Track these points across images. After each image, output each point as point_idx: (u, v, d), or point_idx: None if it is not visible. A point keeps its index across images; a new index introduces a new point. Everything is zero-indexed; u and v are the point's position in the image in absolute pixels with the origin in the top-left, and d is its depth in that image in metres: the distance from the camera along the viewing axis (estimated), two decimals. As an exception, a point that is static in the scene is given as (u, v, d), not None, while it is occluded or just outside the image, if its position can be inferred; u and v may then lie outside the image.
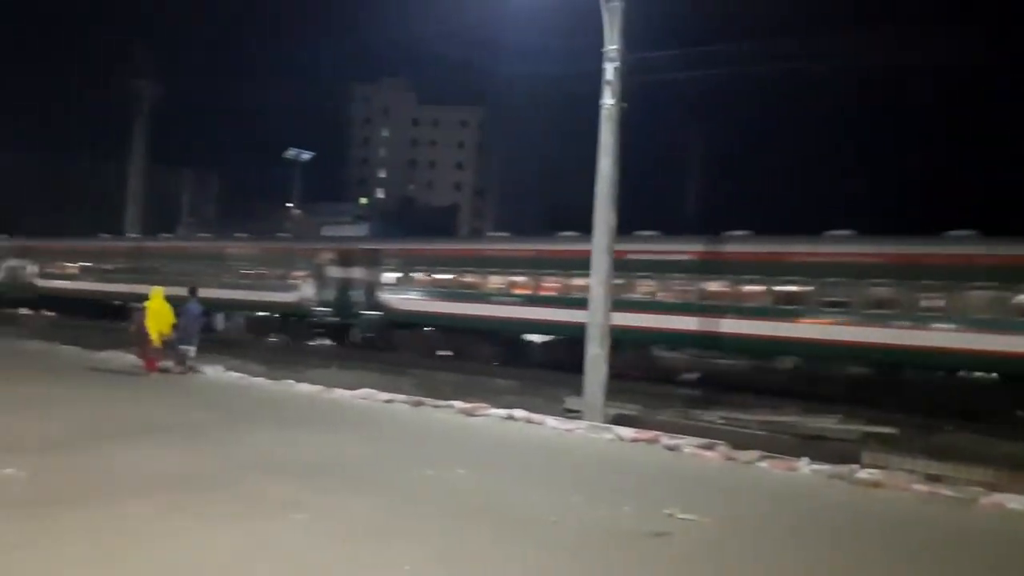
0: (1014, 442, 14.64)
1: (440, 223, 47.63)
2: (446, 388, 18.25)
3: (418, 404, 14.37)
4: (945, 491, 9.42)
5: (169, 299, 17.44)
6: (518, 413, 13.55)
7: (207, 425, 11.34)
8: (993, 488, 9.75)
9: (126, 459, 8.73)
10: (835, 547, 7.12)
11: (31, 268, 43.49)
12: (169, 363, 17.22)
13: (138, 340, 17.27)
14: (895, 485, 9.68)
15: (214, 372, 17.78)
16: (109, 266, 40.16)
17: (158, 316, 16.76)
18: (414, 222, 58.59)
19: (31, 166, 64.58)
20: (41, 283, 42.71)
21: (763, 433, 14.24)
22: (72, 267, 42.13)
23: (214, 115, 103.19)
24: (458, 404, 14.19)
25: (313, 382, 16.98)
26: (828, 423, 15.85)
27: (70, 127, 67.12)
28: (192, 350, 17.49)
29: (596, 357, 14.54)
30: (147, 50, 48.22)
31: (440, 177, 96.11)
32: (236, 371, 18.31)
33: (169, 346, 17.16)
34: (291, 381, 17.06)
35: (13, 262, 44.21)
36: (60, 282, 41.81)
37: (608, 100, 14.74)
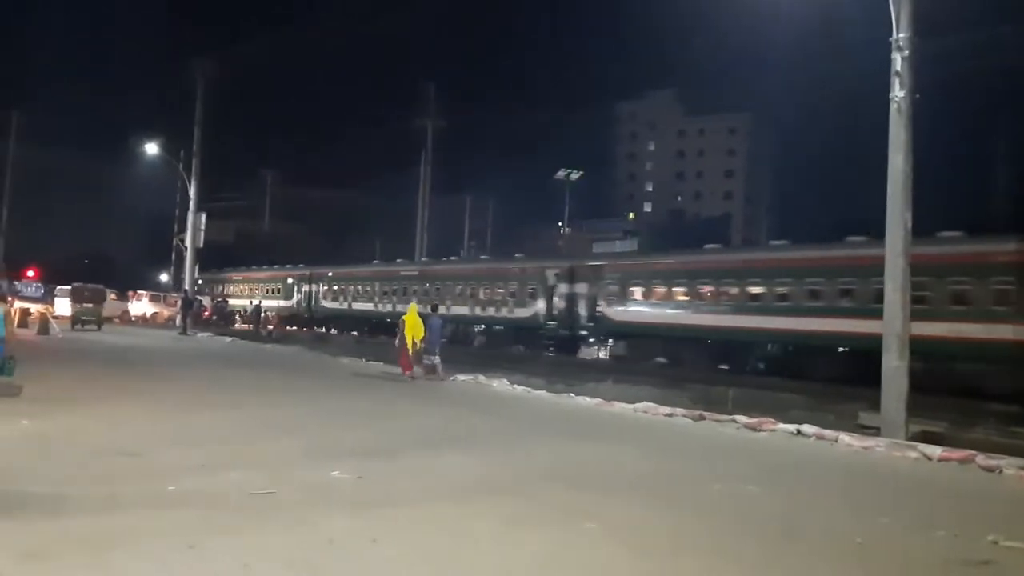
0: None
1: (713, 233, 46.68)
2: (727, 402, 17.80)
3: (700, 418, 14.15)
4: None
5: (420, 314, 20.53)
6: (807, 428, 12.88)
7: (496, 435, 11.98)
8: None
9: (430, 465, 9.42)
10: None
11: (317, 290, 50.74)
12: (420, 370, 19.60)
13: (400, 350, 19.97)
14: None
15: (499, 384, 18.78)
16: (379, 288, 45.64)
17: (413, 327, 19.59)
18: (684, 234, 57.99)
19: (345, 201, 73.68)
20: (326, 304, 49.72)
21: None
22: (350, 289, 48.31)
23: (487, 141, 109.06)
24: (742, 419, 13.79)
25: (592, 395, 17.33)
26: None
27: (368, 164, 75.26)
28: (436, 359, 19.86)
29: (896, 369, 13.47)
30: (431, 89, 52.12)
31: (709, 187, 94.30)
32: (519, 384, 19.16)
33: (419, 355, 19.79)
34: (570, 394, 17.54)
35: (306, 286, 51.68)
36: (334, 303, 48.90)
37: (899, 92, 13.70)
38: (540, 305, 34.76)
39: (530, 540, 6.60)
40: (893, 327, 13.65)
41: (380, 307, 44.60)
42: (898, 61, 13.64)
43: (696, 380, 22.95)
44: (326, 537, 6.26)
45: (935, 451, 11.34)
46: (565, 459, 10.31)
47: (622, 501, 8.05)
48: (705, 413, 14.54)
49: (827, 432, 12.62)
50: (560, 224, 65.55)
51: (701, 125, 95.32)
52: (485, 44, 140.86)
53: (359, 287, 47.32)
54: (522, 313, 35.63)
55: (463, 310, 37.86)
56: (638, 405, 15.44)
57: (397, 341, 20.46)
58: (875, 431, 13.40)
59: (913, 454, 11.36)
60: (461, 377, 19.98)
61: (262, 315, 47.08)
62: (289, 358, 26.06)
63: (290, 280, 53.36)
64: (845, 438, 12.34)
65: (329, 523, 6.65)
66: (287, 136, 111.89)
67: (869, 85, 14.75)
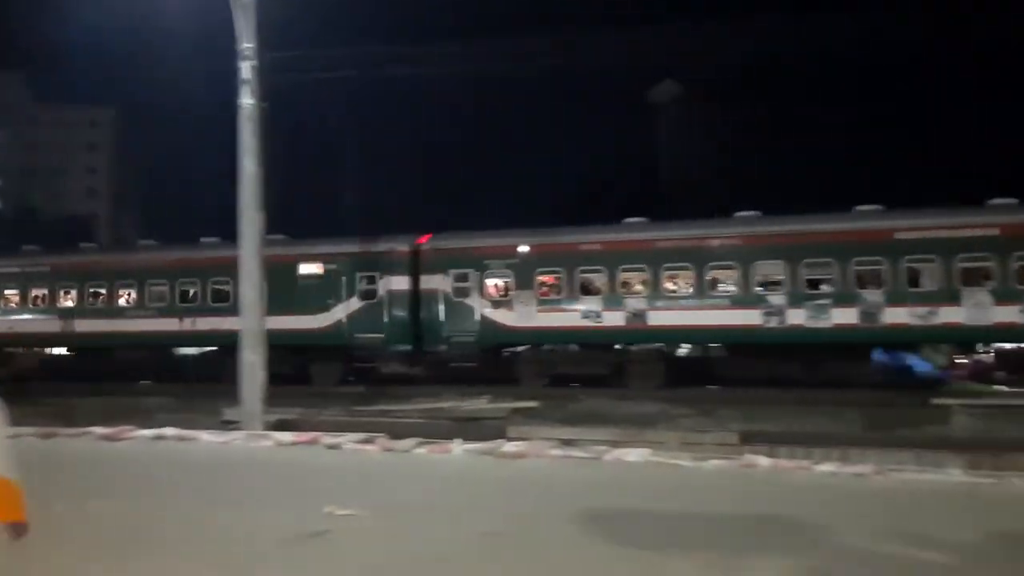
0: (634, 402, 16.84)
1: (78, 233, 42.83)
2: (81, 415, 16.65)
3: (50, 435, 12.94)
4: (576, 452, 10.56)
5: None
6: (168, 431, 12.76)
7: None
8: (615, 445, 11.13)
9: None
10: (476, 513, 7.67)
11: None
12: None
13: None
14: (535, 453, 10.64)
15: None
16: None
17: None
18: (41, 233, 52.26)
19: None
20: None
21: (421, 421, 14.87)
22: None
23: None
24: (99, 430, 13.01)
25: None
26: (481, 404, 16.97)
27: None
28: None
29: (252, 363, 14.16)
30: None
31: (71, 183, 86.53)
32: None
33: None
34: None
35: None
36: None
37: (247, 100, 14.38)
38: None
39: None
40: (249, 324, 14.33)
41: None
42: (245, 69, 14.31)
43: (51, 393, 21.01)
44: None
45: (288, 437, 12.28)
46: None
47: None
48: (58, 429, 13.35)
49: (188, 432, 12.68)
50: None
51: (57, 115, 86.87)
52: None
53: None
54: None
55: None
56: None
57: None
58: (237, 425, 13.95)
59: (268, 442, 12.12)
60: None
61: None
62: None
63: None
64: (206, 436, 12.56)
65: None
66: None
67: (230, 90, 15.13)
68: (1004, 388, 21.00)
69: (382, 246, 24.39)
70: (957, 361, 22.46)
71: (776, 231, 21.04)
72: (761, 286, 20.82)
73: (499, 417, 15.60)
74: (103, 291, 26.99)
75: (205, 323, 24.98)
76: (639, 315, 21.76)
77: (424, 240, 24.42)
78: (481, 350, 23.34)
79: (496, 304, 23.14)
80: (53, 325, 26.91)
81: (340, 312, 24.31)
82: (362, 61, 26.41)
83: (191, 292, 26.20)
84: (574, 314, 22.02)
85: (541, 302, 22.71)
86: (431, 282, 23.78)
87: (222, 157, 17.19)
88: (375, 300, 24.08)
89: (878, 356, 21.22)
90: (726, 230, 21.70)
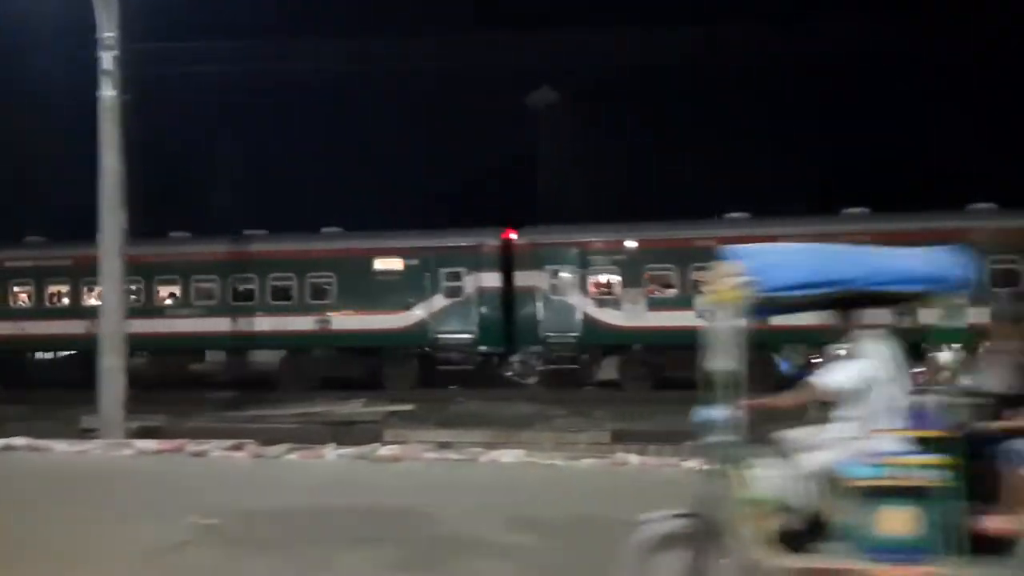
0: (511, 403, 17.02)
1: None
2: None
3: None
4: (452, 455, 10.58)
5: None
6: (18, 441, 11.99)
7: None
8: (490, 447, 11.22)
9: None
10: (345, 518, 7.57)
11: None
12: None
13: None
14: (411, 456, 10.59)
15: None
16: None
17: None
18: None
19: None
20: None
21: (294, 426, 14.55)
22: None
23: None
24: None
25: None
26: (356, 408, 16.76)
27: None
28: None
29: (112, 369, 13.47)
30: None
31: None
32: None
33: None
34: None
35: None
36: None
37: (108, 92, 13.70)
38: None
39: None
40: (109, 327, 13.64)
41: None
42: (106, 59, 13.62)
43: None
44: None
45: (151, 445, 11.75)
46: None
47: None
48: None
49: (40, 442, 11.95)
50: None
51: None
52: None
53: None
54: None
55: None
56: None
57: None
58: (96, 433, 13.24)
59: (129, 451, 11.56)
60: None
61: None
62: None
63: None
64: (60, 446, 11.87)
65: None
66: None
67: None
68: None
69: (469, 240, 22.87)
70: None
71: None
72: None
73: (374, 421, 15.43)
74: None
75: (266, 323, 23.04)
76: None
77: (510, 234, 23.07)
78: (582, 351, 22.26)
79: (601, 302, 22.14)
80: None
81: (422, 311, 22.58)
82: (231, 56, 25.65)
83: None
84: (688, 313, 19.72)
85: (652, 301, 21.67)
86: (527, 278, 22.25)
87: (82, 152, 16.32)
88: (461, 298, 22.47)
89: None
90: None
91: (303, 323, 22.55)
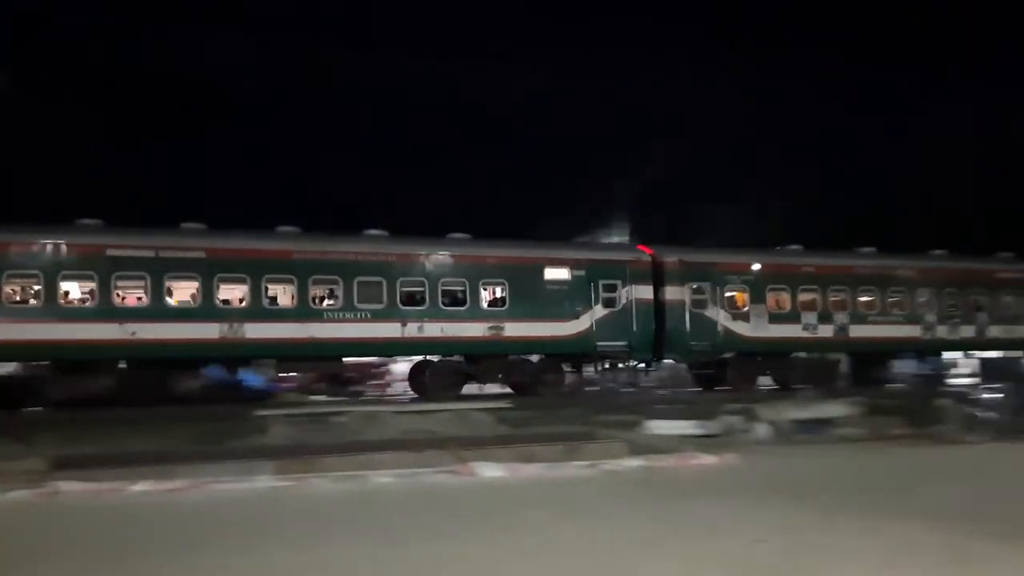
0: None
1: None
2: None
3: None
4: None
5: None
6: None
7: None
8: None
9: None
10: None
11: None
12: None
13: None
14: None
15: None
16: None
17: None
18: None
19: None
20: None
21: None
22: None
23: None
24: None
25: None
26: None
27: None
28: None
29: None
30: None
31: None
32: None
33: None
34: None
35: None
36: None
37: None
38: None
39: None
40: None
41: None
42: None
43: None
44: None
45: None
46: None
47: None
48: None
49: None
50: None
51: None
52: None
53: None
54: None
55: None
56: None
57: None
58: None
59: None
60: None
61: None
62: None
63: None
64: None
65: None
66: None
67: None
68: (323, 398, 22.61)
69: (624, 255, 25.39)
70: (282, 375, 22.76)
71: None
72: None
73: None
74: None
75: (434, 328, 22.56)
76: (843, 328, 26.83)
77: (650, 251, 25.81)
78: (716, 359, 25.93)
79: (735, 316, 25.82)
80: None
81: (588, 319, 23.98)
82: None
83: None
84: (796, 326, 26.21)
85: (772, 315, 26.10)
86: (674, 293, 25.13)
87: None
88: (617, 308, 24.24)
89: (211, 371, 21.00)
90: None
91: (475, 329, 23.00)
